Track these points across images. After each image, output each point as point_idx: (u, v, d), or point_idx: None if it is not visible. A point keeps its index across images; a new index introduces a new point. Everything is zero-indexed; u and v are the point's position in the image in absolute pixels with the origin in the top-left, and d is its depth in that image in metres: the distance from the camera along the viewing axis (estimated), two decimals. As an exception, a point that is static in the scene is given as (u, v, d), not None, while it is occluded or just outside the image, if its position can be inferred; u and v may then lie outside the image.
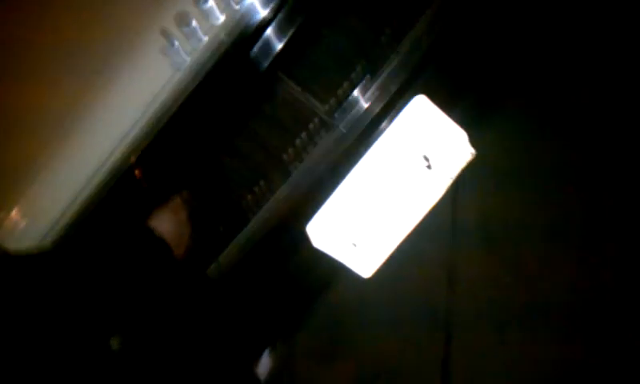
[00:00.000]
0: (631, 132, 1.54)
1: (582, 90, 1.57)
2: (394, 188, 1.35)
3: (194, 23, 1.17)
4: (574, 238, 1.58)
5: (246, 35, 1.21)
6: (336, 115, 1.36)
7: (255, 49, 1.23)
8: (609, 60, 1.55)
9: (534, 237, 1.59)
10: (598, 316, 1.54)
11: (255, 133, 1.33)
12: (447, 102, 1.37)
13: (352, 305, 1.57)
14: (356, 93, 1.37)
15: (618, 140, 1.55)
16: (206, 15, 1.18)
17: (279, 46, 1.24)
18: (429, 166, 1.36)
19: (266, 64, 1.25)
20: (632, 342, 1.50)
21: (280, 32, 1.24)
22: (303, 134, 1.34)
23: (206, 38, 1.19)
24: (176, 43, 1.18)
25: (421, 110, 1.35)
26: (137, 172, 1.23)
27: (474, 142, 1.37)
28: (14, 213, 1.23)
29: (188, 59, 1.19)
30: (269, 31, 1.23)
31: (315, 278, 1.42)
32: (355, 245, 1.32)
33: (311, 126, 1.34)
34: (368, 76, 1.37)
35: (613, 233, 1.56)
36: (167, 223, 1.28)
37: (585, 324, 1.55)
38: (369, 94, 1.37)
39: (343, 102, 1.34)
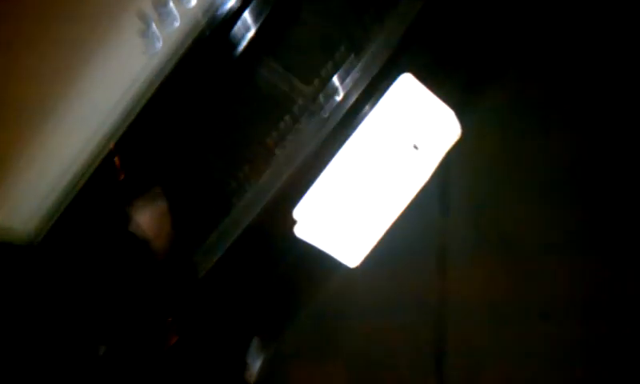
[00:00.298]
0: (625, 112, 1.51)
1: (574, 68, 1.54)
2: (380, 171, 1.32)
3: (170, 4, 1.13)
4: (569, 216, 1.55)
5: (222, 15, 1.18)
6: (320, 97, 1.32)
7: (233, 29, 1.20)
8: (602, 38, 1.52)
9: (526, 219, 1.56)
10: (595, 300, 1.51)
11: (237, 117, 1.29)
12: (434, 81, 1.34)
13: (342, 296, 1.54)
14: (340, 73, 1.33)
15: (610, 119, 1.52)
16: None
17: (258, 25, 1.20)
18: (415, 147, 1.33)
19: (245, 45, 1.21)
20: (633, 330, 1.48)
21: (259, 11, 1.20)
22: (287, 118, 1.30)
23: (180, 20, 1.15)
24: (152, 26, 1.15)
25: (407, 89, 1.32)
26: (115, 161, 1.20)
27: (462, 121, 1.35)
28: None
29: (162, 42, 1.16)
30: (247, 11, 1.20)
31: (303, 265, 1.39)
32: (341, 234, 1.29)
33: (295, 108, 1.30)
34: (352, 55, 1.34)
35: (607, 213, 1.53)
36: (147, 213, 1.24)
37: (581, 306, 1.53)
38: (353, 74, 1.33)
39: (327, 83, 1.31)
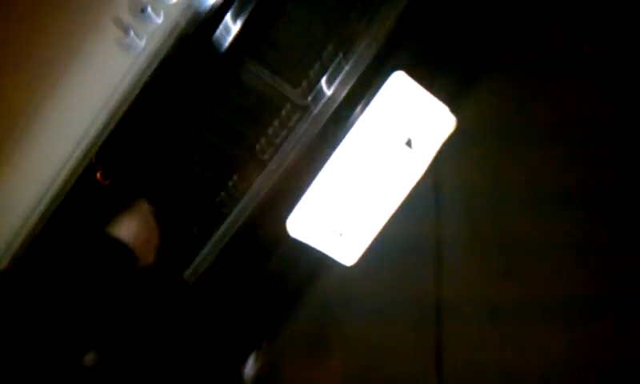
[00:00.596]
0: (619, 100, 1.48)
1: (568, 59, 1.50)
2: (374, 171, 1.29)
3: (148, 9, 1.09)
4: (563, 211, 1.52)
5: (204, 18, 1.13)
6: (310, 99, 1.28)
7: (215, 33, 1.15)
8: (598, 28, 1.48)
9: (522, 213, 1.53)
10: (589, 297, 1.49)
11: (224, 124, 1.24)
12: (427, 78, 1.31)
13: (338, 296, 1.51)
14: (329, 73, 1.29)
15: (606, 109, 1.49)
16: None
17: (241, 28, 1.15)
18: (409, 144, 1.31)
19: (228, 46, 1.16)
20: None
21: (241, 13, 1.16)
22: (276, 122, 1.26)
23: (160, 20, 1.10)
24: (131, 32, 1.10)
25: (400, 87, 1.28)
26: (98, 173, 1.15)
27: (455, 116, 1.32)
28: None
29: (142, 48, 1.10)
30: (229, 13, 1.15)
31: (298, 272, 1.36)
32: (336, 233, 1.27)
33: (284, 112, 1.26)
34: (341, 55, 1.29)
35: (603, 205, 1.51)
36: (133, 229, 1.20)
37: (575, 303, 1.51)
38: (343, 73, 1.29)
39: (316, 84, 1.27)
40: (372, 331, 1.55)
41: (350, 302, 1.55)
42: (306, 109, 1.26)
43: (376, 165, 1.30)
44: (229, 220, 1.25)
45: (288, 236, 1.24)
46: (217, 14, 1.13)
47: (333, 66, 1.28)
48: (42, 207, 1.16)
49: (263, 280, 1.34)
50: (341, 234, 1.28)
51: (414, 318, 1.56)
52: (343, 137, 1.27)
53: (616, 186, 1.49)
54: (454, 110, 1.32)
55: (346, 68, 1.28)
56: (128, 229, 1.20)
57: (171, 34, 1.11)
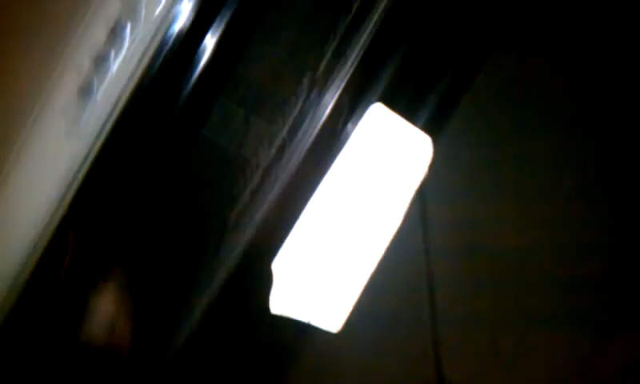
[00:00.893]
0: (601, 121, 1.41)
1: (549, 78, 1.41)
2: (355, 218, 1.19)
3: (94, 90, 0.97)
4: (556, 237, 1.46)
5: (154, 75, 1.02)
6: (282, 141, 1.17)
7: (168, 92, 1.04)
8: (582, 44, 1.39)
9: (513, 242, 1.46)
10: (584, 310, 1.43)
11: (189, 190, 1.13)
12: (407, 108, 1.21)
13: (331, 349, 1.43)
14: (302, 111, 1.18)
15: (589, 120, 1.41)
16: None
17: (194, 86, 1.04)
18: (392, 180, 1.21)
19: (182, 108, 1.05)
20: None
21: (194, 69, 1.04)
22: (243, 186, 1.15)
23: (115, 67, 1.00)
24: (81, 119, 0.99)
25: (379, 120, 1.18)
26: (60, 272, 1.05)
27: (435, 142, 1.22)
28: None
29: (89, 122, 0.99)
30: (182, 69, 1.04)
31: (287, 336, 1.27)
32: (318, 301, 1.17)
33: (249, 174, 1.14)
34: (313, 91, 1.18)
35: (591, 218, 1.44)
36: (108, 318, 1.10)
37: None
38: (317, 111, 1.18)
39: (286, 138, 1.15)
40: (371, 376, 1.48)
41: (344, 353, 1.47)
42: (270, 170, 1.15)
43: (358, 211, 1.19)
44: (205, 296, 1.15)
45: (269, 310, 1.14)
46: (169, 74, 1.03)
47: (306, 103, 1.17)
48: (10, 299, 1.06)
49: (250, 348, 1.25)
50: (322, 301, 1.18)
51: (412, 361, 1.49)
52: (318, 186, 1.16)
53: (611, 191, 1.43)
54: (435, 138, 1.23)
55: (320, 105, 1.17)
56: (103, 320, 1.10)
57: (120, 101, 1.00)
